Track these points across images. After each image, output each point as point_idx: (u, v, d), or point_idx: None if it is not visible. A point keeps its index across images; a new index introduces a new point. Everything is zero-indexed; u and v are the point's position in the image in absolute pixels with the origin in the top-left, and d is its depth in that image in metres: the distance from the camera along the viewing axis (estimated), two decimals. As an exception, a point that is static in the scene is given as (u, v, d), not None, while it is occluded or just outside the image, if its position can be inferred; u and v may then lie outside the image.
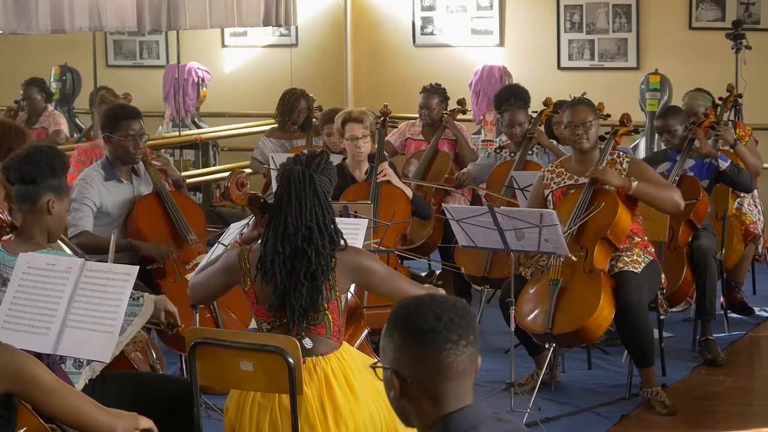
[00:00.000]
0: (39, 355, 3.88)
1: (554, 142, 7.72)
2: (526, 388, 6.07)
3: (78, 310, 4.10)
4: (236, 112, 11.01)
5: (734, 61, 8.91)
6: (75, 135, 10.23)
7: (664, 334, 6.61)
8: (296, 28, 10.78)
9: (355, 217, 5.46)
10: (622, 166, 6.09)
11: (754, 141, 7.97)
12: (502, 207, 6.36)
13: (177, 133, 10.06)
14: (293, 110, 8.59)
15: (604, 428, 5.79)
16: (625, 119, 6.39)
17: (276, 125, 8.79)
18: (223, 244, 4.72)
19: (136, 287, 4.27)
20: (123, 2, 8.08)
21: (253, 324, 4.58)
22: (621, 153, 6.22)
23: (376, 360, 4.32)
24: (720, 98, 8.04)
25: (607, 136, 6.21)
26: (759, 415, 6.08)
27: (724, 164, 6.92)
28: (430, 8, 10.84)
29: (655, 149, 8.72)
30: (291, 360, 3.97)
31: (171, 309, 4.56)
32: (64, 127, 9.69)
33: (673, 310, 6.94)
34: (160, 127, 10.49)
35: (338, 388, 4.09)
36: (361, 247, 4.73)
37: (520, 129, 7.69)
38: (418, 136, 8.53)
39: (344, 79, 11.10)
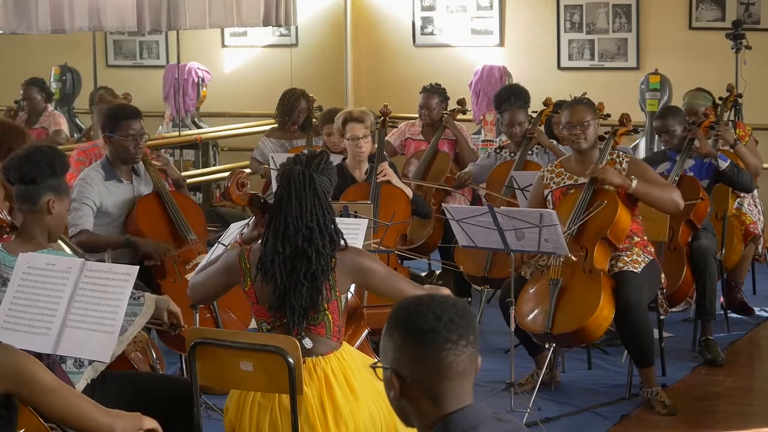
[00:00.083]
0: (39, 355, 3.88)
1: (554, 142, 7.72)
2: (526, 388, 6.07)
3: (78, 310, 4.10)
4: (236, 112, 11.01)
5: (734, 61, 8.91)
6: (75, 135, 10.23)
7: (664, 334, 6.61)
8: (296, 28, 10.78)
9: (355, 217, 5.46)
10: (621, 165, 6.09)
11: (754, 141, 7.97)
12: (502, 207, 6.37)
13: (177, 133, 10.06)
14: (293, 110, 8.59)
15: (604, 428, 5.79)
16: (624, 119, 6.39)
17: (276, 125, 8.79)
18: (223, 244, 4.72)
19: (136, 287, 4.27)
20: (123, 2, 8.08)
21: (253, 324, 4.58)
22: (621, 153, 6.22)
23: (376, 360, 4.33)
24: (720, 98, 8.05)
25: (607, 136, 6.21)
26: (759, 415, 6.08)
27: (723, 164, 6.92)
28: (430, 8, 10.84)
29: (655, 149, 8.71)
30: (291, 360, 3.97)
31: (174, 309, 4.56)
32: (65, 127, 9.69)
33: (673, 310, 6.94)
34: (160, 127, 10.49)
35: (338, 388, 4.09)
36: (361, 247, 4.73)
37: (520, 129, 7.69)
38: (418, 136, 8.53)
39: (344, 79, 11.10)
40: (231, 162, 10.14)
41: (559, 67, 10.40)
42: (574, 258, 5.80)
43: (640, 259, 5.99)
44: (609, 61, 10.25)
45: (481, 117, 10.21)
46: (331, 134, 7.64)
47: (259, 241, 4.20)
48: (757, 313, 7.83)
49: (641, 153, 8.88)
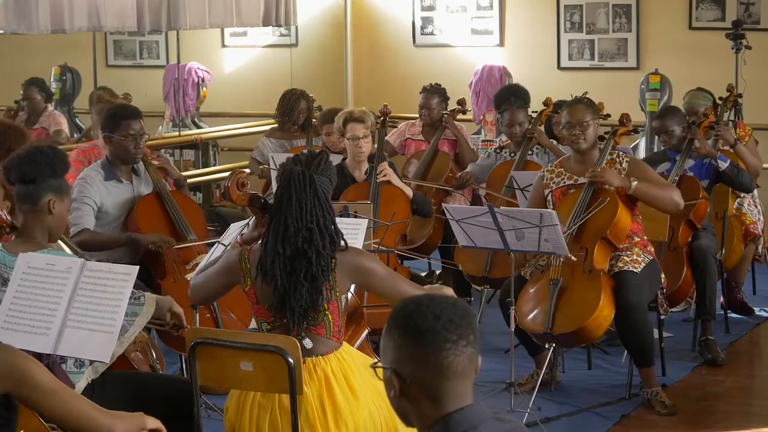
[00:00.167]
0: (39, 356, 3.88)
1: (554, 142, 7.72)
2: (526, 388, 6.07)
3: (78, 310, 4.10)
4: (236, 112, 11.01)
5: (734, 61, 8.91)
6: (75, 135, 10.22)
7: (664, 334, 6.61)
8: (296, 28, 10.78)
9: (355, 217, 5.46)
10: (621, 165, 6.09)
11: (754, 141, 7.97)
12: (502, 207, 6.37)
13: (177, 133, 10.06)
14: (293, 110, 8.59)
15: (604, 428, 5.79)
16: (624, 119, 6.39)
17: (276, 125, 8.79)
18: (223, 244, 4.72)
19: (136, 287, 4.27)
20: (123, 2, 8.08)
21: (253, 324, 4.58)
22: (621, 153, 6.22)
23: (376, 360, 4.33)
24: (720, 98, 8.04)
25: (607, 136, 6.21)
26: (759, 415, 6.08)
27: (723, 164, 6.92)
28: (430, 8, 10.84)
29: (655, 149, 8.71)
30: (291, 360, 3.97)
31: (177, 310, 4.55)
32: (65, 127, 9.70)
33: (673, 310, 6.94)
34: (160, 127, 10.49)
35: (338, 388, 4.09)
36: (361, 247, 4.73)
37: (520, 129, 7.70)
38: (418, 136, 8.53)
39: (344, 79, 11.10)
40: (231, 162, 10.13)
41: (559, 67, 10.40)
42: (574, 258, 5.80)
43: (640, 259, 5.98)
44: (609, 61, 10.25)
45: (481, 117, 10.21)
46: (331, 134, 7.64)
47: (260, 241, 4.20)
48: (757, 313, 7.83)
49: (641, 153, 8.88)
